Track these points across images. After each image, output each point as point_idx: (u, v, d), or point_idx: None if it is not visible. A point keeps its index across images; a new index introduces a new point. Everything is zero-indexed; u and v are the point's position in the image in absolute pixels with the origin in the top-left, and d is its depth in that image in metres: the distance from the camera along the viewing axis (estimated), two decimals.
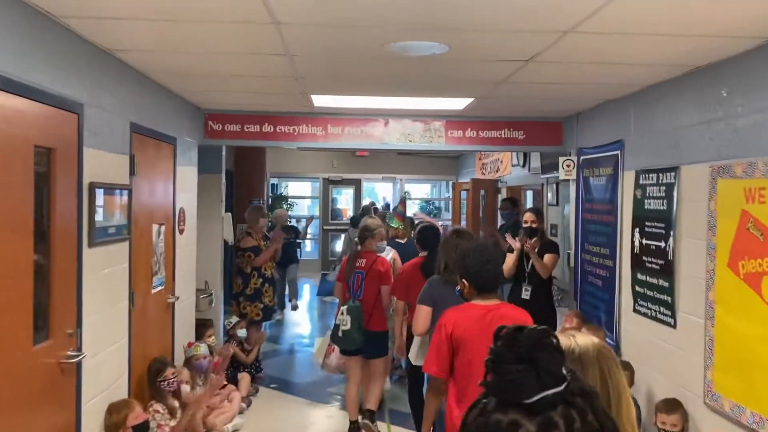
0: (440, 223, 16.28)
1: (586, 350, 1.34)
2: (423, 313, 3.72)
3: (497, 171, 10.95)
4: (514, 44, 3.31)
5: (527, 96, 4.87)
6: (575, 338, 1.37)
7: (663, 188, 4.12)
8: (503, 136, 5.88)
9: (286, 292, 9.77)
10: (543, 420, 0.86)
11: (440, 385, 3.00)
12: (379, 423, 5.09)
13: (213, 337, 5.72)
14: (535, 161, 8.90)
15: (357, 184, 15.37)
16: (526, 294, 5.46)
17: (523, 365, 0.87)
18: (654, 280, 4.23)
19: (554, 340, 0.91)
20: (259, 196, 11.54)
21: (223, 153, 6.77)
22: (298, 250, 9.76)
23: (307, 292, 12.60)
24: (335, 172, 15.08)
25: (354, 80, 4.41)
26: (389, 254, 5.44)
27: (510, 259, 5.46)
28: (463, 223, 13.03)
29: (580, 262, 5.56)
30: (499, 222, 10.92)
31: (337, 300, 5.30)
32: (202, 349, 5.08)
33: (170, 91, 4.86)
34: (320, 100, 5.21)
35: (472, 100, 5.04)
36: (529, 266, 5.49)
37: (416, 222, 7.45)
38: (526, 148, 5.92)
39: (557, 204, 8.12)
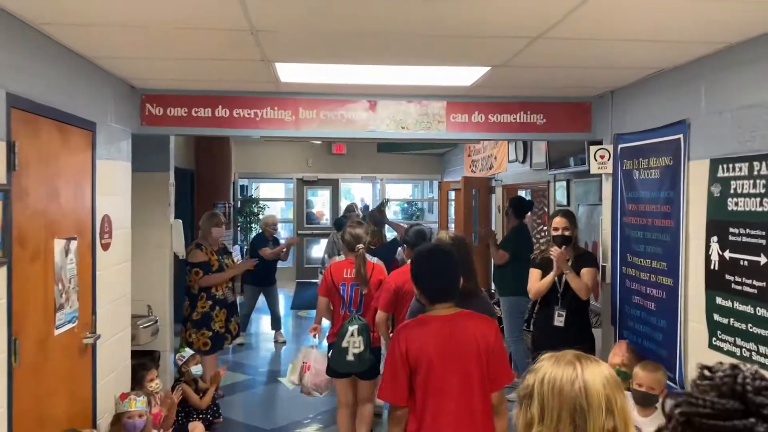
0: (430, 227, 15.17)
1: (592, 382, 1.36)
2: None
3: (490, 168, 9.82)
4: None
5: (557, 64, 3.72)
6: (581, 370, 1.38)
7: (762, 182, 2.99)
8: (518, 120, 4.72)
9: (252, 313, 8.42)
10: None
11: (401, 414, 2.58)
12: None
13: (156, 381, 4.46)
14: (539, 156, 7.79)
15: (334, 185, 14.14)
16: (559, 320, 4.31)
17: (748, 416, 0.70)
18: (746, 308, 3.09)
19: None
20: (225, 199, 10.26)
21: (171, 146, 5.52)
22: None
23: (281, 304, 11.33)
24: (310, 171, 13.84)
25: (333, 38, 3.21)
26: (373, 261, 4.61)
27: (546, 280, 4.33)
28: (452, 226, 11.90)
29: (620, 278, 4.42)
30: (493, 224, 9.82)
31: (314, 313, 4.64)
32: (138, 403, 3.82)
33: (83, 57, 3.61)
34: (288, 73, 3.99)
35: (486, 70, 3.86)
36: (563, 285, 4.34)
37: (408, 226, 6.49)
38: (546, 135, 4.77)
39: (568, 205, 7.00)
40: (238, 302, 5.96)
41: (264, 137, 4.69)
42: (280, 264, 8.93)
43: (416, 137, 4.65)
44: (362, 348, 4.10)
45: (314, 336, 4.68)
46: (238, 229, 12.41)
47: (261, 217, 13.34)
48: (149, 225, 5.38)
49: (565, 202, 7.06)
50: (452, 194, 11.75)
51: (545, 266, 4.45)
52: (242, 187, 14.38)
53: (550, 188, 7.56)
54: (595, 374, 1.38)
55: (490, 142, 9.82)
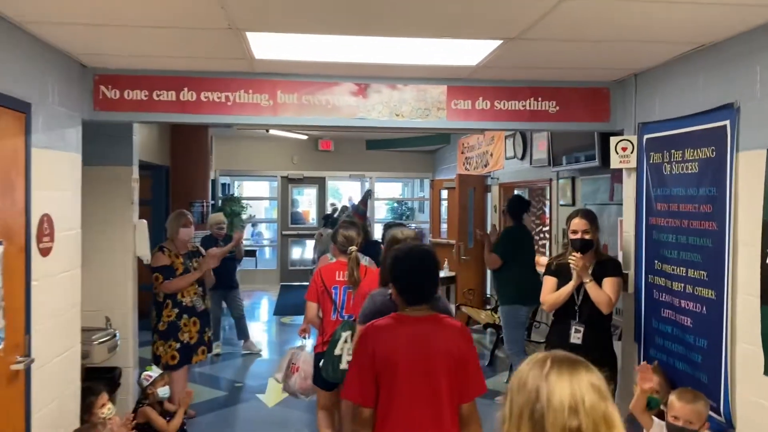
0: (413, 226, 14.61)
1: (556, 380, 1.32)
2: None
3: (486, 166, 9.27)
4: None
5: (579, 36, 3.15)
6: (549, 367, 1.34)
7: None
8: (528, 108, 4.14)
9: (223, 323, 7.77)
10: None
11: (368, 416, 2.44)
12: None
13: (108, 407, 3.82)
14: (540, 152, 7.24)
15: (321, 183, 13.51)
16: (576, 337, 3.75)
17: None
18: None
19: None
20: (203, 197, 9.62)
21: (135, 137, 4.90)
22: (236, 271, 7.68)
23: (263, 309, 10.70)
24: (295, 169, 13.21)
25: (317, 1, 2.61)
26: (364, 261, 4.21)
27: (564, 290, 3.78)
28: (444, 227, 11.34)
29: (646, 288, 3.85)
30: (488, 227, 9.26)
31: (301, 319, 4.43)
32: None
33: (10, 22, 2.98)
34: (263, 47, 3.38)
35: (497, 45, 3.28)
36: (581, 296, 3.77)
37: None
38: (558, 125, 4.19)
39: (573, 204, 6.46)
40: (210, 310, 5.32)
41: (238, 126, 4.07)
42: (262, 266, 8.34)
43: (412, 126, 4.07)
44: None
45: (304, 337, 4.59)
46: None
47: (243, 216, 12.71)
48: (109, 226, 4.76)
49: (570, 201, 6.52)
50: (445, 193, 11.18)
51: (561, 274, 3.89)
52: (224, 185, 13.73)
53: (552, 186, 7.02)
54: (563, 372, 1.33)
55: (486, 138, 9.26)
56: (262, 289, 12.26)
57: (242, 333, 7.57)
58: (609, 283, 3.72)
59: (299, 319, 7.65)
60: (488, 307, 8.59)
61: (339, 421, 4.26)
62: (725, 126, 3.11)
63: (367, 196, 8.66)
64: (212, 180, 12.47)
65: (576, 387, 1.30)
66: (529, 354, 1.46)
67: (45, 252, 3.31)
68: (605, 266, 3.82)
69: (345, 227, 4.15)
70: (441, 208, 11.48)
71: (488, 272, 9.38)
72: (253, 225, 17.09)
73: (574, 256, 3.73)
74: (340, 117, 4.04)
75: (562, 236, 6.70)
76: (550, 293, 3.89)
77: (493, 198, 9.05)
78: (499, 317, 7.20)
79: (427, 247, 2.70)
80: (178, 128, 9.16)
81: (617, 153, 3.99)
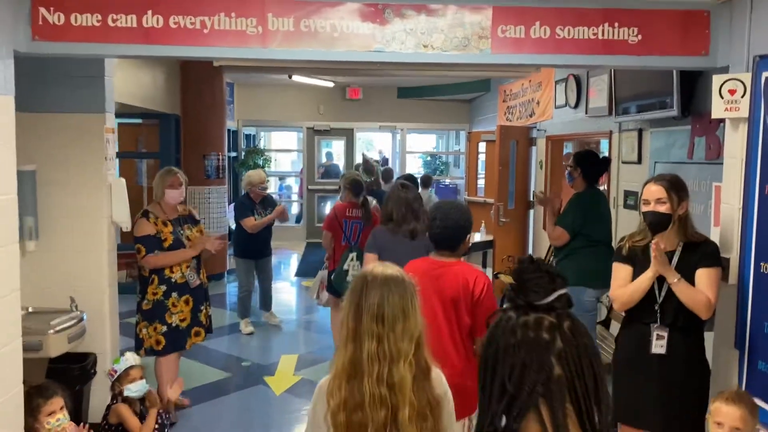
0: (447, 182, 13.59)
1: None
2: (370, 260, 3.74)
3: (531, 116, 8.20)
4: None
5: None
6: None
7: None
8: (601, 36, 3.11)
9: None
10: (557, 315, 1.10)
11: None
12: None
13: (57, 417, 3.07)
14: (598, 99, 6.15)
15: (349, 135, 12.56)
16: (659, 345, 2.84)
17: (540, 273, 1.15)
18: None
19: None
20: (218, 149, 8.78)
21: (109, 77, 4.03)
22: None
23: (285, 270, 9.95)
24: (322, 119, 12.27)
25: None
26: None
27: (639, 284, 2.86)
28: (480, 184, 10.35)
29: (755, 280, 2.87)
30: (532, 184, 8.24)
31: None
32: None
33: None
34: None
35: None
36: (663, 290, 2.83)
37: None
38: (640, 60, 3.15)
39: (639, 162, 5.41)
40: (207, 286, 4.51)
41: (217, 61, 3.16)
42: (287, 224, 7.47)
43: (445, 61, 3.09)
44: (359, 270, 4.37)
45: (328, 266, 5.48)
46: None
47: (266, 170, 11.88)
48: (77, 187, 3.96)
49: (634, 158, 5.47)
50: (483, 147, 10.15)
51: (638, 260, 2.94)
52: (248, 136, 12.89)
53: (612, 140, 5.95)
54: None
55: (532, 83, 8.16)
56: (288, 247, 11.52)
57: (267, 303, 6.77)
58: (705, 276, 2.76)
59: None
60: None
61: None
62: None
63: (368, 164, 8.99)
64: (234, 131, 11.65)
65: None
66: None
67: None
68: (697, 251, 2.85)
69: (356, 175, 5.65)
70: (478, 163, 10.48)
71: (531, 236, 8.43)
72: (281, 179, 16.31)
73: (655, 244, 2.77)
74: (349, 50, 3.07)
75: (623, 203, 5.68)
76: (623, 286, 2.95)
77: (538, 152, 8.00)
78: None
79: (457, 204, 3.08)
80: (188, 71, 8.27)
81: (722, 97, 2.96)
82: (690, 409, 2.90)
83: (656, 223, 2.85)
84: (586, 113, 6.45)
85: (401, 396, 1.63)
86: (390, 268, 1.82)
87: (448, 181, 13.42)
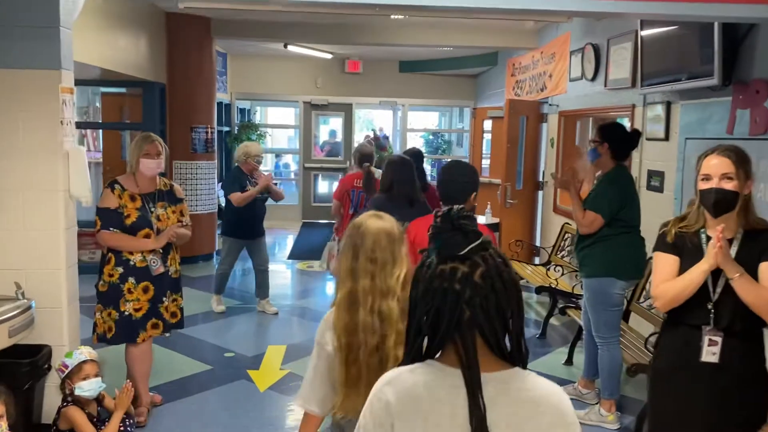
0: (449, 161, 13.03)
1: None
2: None
3: (542, 90, 7.63)
4: None
5: None
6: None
7: None
8: None
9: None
10: (471, 263, 1.21)
11: None
12: None
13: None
14: (620, 71, 5.60)
15: (347, 111, 11.97)
16: (711, 353, 2.34)
17: (454, 231, 1.23)
18: None
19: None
20: (207, 122, 8.22)
21: (68, 30, 3.48)
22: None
23: (280, 251, 9.44)
24: (319, 93, 11.68)
25: None
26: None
27: (690, 278, 2.35)
28: (486, 163, 9.80)
29: None
30: (542, 163, 7.69)
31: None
32: None
33: None
34: None
35: None
36: (719, 287, 2.32)
37: None
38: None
39: (667, 138, 4.88)
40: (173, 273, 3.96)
41: (183, 1, 2.60)
42: (283, 201, 6.93)
43: (470, 5, 2.53)
44: None
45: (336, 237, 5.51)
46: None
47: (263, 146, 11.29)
48: (26, 156, 3.42)
49: (662, 134, 4.93)
50: (488, 124, 9.58)
51: (685, 250, 2.42)
52: (242, 110, 12.31)
53: (635, 115, 5.40)
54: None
55: (544, 55, 7.58)
56: (283, 227, 11.00)
57: (263, 290, 6.18)
58: None
59: (316, 264, 7.66)
60: (537, 261, 7.14)
61: None
62: None
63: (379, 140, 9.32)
64: (227, 104, 11.06)
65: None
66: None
67: None
68: (760, 240, 2.33)
69: (364, 147, 5.86)
70: (483, 141, 9.92)
71: (539, 220, 7.91)
72: (277, 156, 15.72)
73: (720, 230, 2.25)
74: None
75: (647, 183, 5.14)
76: (668, 281, 2.43)
77: (549, 130, 7.45)
78: (556, 278, 5.79)
79: (461, 162, 3.36)
80: (175, 38, 7.70)
81: None
82: (744, 428, 2.42)
83: (721, 202, 2.33)
84: (605, 86, 5.89)
85: (389, 325, 1.88)
86: (382, 219, 1.99)
87: (449, 160, 12.87)
